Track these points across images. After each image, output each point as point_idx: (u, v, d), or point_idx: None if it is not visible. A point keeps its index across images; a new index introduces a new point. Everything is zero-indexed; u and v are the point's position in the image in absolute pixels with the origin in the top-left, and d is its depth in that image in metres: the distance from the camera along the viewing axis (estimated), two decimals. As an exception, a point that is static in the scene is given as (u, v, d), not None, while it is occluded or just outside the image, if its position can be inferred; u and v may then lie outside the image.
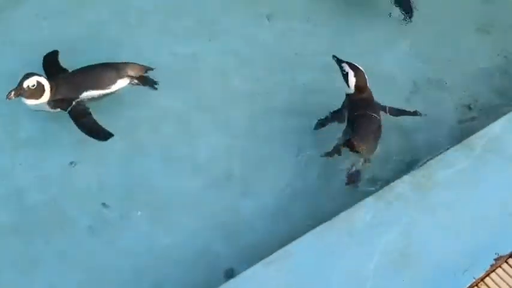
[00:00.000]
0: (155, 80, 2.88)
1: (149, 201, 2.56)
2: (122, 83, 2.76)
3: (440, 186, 2.41)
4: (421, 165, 2.50)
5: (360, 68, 2.72)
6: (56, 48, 2.85)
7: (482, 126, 2.60)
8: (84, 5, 3.17)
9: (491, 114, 2.75)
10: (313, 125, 2.76)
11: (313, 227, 2.33)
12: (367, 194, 2.44)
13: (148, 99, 2.85)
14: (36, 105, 2.59)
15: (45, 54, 2.79)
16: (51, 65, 2.77)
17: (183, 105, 2.88)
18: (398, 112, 2.75)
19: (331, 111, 2.75)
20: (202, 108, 2.88)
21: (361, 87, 2.69)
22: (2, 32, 2.99)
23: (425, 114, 2.77)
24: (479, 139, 2.55)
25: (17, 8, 3.08)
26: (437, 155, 2.52)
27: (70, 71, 2.75)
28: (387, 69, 3.04)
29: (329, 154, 2.63)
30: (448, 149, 2.54)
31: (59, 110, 2.64)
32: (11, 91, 2.48)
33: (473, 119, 2.84)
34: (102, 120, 2.66)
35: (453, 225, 2.31)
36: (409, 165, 2.58)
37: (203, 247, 2.46)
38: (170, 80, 2.93)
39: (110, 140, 2.66)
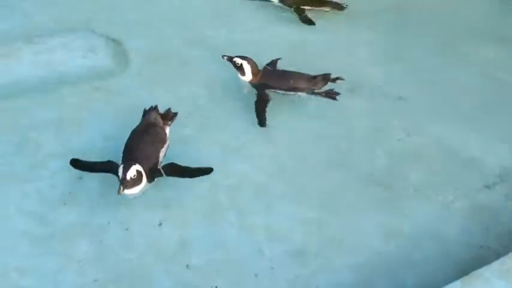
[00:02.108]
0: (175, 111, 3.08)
1: (227, 266, 2.59)
2: (167, 129, 2.99)
3: (532, 275, 2.28)
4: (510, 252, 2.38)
5: (247, 56, 3.24)
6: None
7: None
8: (177, 78, 3.42)
9: None
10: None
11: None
12: (452, 278, 2.35)
13: (229, 166, 2.96)
14: (140, 190, 2.70)
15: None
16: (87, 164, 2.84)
17: (261, 172, 2.96)
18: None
19: (256, 106, 3.17)
20: (279, 177, 2.94)
21: (255, 71, 3.24)
22: (104, 97, 3.26)
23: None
24: None
25: (120, 76, 3.38)
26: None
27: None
28: (471, 151, 3.03)
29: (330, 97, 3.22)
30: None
31: (156, 180, 2.77)
32: (119, 188, 2.58)
33: None
34: (188, 183, 2.79)
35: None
36: (497, 252, 2.48)
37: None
38: (250, 149, 3.06)
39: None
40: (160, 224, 2.70)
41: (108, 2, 3.73)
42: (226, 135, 3.12)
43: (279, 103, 3.25)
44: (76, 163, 2.81)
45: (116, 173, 2.69)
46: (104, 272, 2.52)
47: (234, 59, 3.21)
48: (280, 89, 3.24)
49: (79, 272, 2.50)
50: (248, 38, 3.69)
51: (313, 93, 3.24)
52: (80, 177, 2.82)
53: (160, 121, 2.96)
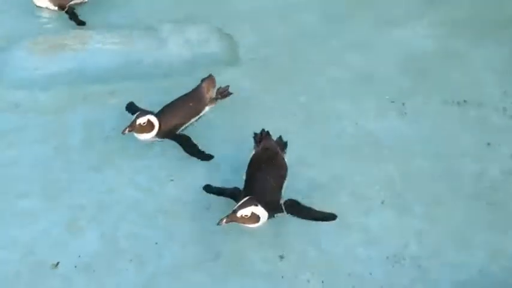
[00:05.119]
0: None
1: (320, 262, 2.60)
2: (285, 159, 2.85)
3: None
4: None
5: (143, 109, 3.00)
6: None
7: None
8: (281, 76, 3.44)
9: None
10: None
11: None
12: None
13: (326, 167, 2.96)
14: (258, 226, 2.64)
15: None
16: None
17: (361, 176, 2.94)
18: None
19: (186, 150, 2.97)
20: (380, 183, 2.91)
21: (160, 121, 2.95)
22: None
23: None
24: None
25: (228, 69, 3.43)
26: None
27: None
28: None
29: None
30: None
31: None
32: (225, 218, 2.54)
33: None
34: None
35: None
36: None
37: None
38: (351, 150, 3.05)
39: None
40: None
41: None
42: (327, 133, 3.12)
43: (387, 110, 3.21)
44: (209, 188, 2.79)
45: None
46: (204, 250, 2.61)
47: (138, 121, 2.88)
48: (190, 120, 3.04)
49: (182, 247, 2.62)
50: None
51: (214, 101, 3.11)
52: (188, 157, 2.95)
53: (278, 148, 2.83)
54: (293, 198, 2.74)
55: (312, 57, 3.54)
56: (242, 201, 2.55)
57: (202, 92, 3.09)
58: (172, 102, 3.04)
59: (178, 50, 3.54)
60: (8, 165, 2.92)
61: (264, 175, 2.70)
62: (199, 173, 2.89)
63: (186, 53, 3.54)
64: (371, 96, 3.30)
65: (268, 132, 2.89)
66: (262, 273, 2.55)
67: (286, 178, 2.77)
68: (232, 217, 2.52)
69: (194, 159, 2.94)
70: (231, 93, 3.19)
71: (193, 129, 3.06)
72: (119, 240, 2.64)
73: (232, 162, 2.94)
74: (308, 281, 2.53)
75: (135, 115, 2.92)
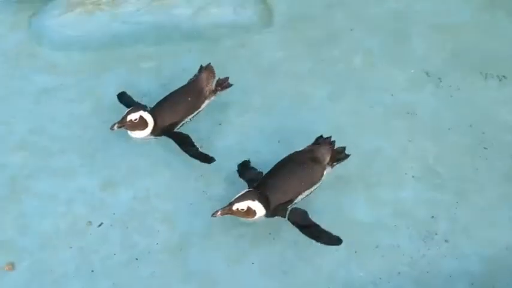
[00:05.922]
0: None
1: (348, 232, 2.58)
2: (328, 170, 2.70)
3: None
4: None
5: (137, 103, 2.86)
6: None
7: None
8: (316, 43, 3.42)
9: None
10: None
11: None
12: None
13: (357, 137, 2.93)
14: (253, 220, 2.55)
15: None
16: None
17: (394, 148, 2.91)
18: None
19: (184, 149, 2.79)
20: (410, 155, 2.89)
21: (154, 117, 2.75)
22: (245, 53, 3.34)
23: None
24: None
25: (263, 35, 3.44)
26: None
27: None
28: None
29: None
30: None
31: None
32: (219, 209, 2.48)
33: None
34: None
35: None
36: None
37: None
38: (385, 122, 3.02)
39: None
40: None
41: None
42: (360, 103, 3.10)
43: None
44: (245, 165, 2.72)
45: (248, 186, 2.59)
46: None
47: (129, 117, 2.64)
48: (188, 116, 2.84)
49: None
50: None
51: (213, 93, 2.91)
52: (220, 124, 2.96)
53: (326, 159, 2.64)
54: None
55: (347, 26, 3.49)
56: (240, 193, 2.48)
57: (201, 84, 2.86)
58: (168, 96, 2.84)
59: (213, 14, 3.52)
60: (44, 124, 2.99)
61: (288, 174, 2.56)
62: (230, 139, 2.91)
63: (221, 17, 3.52)
64: (407, 68, 3.25)
65: (333, 142, 2.71)
66: (290, 240, 2.57)
67: (311, 190, 2.61)
68: (228, 209, 2.44)
69: (228, 118, 2.93)
70: (231, 85, 2.95)
71: (226, 94, 3.03)
72: (151, 200, 2.69)
73: (262, 129, 2.96)
74: (336, 250, 2.54)
75: (127, 110, 2.70)
